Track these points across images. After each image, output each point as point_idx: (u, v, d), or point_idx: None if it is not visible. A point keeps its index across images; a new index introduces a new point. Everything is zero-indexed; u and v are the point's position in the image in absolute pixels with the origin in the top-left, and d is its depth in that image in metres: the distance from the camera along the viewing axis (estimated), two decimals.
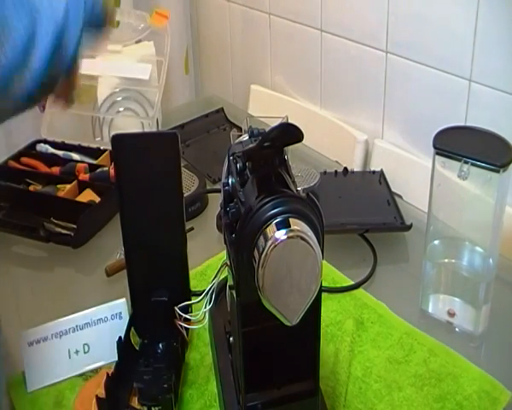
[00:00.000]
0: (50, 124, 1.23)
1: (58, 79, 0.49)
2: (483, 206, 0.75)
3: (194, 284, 0.85)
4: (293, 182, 0.57)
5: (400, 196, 1.07)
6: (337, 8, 1.15)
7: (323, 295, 0.58)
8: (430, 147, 0.74)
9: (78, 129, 1.30)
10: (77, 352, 0.76)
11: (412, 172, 1.06)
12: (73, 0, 0.48)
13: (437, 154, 0.74)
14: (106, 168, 1.11)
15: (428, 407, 0.70)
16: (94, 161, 1.16)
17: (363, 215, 0.99)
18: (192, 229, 0.97)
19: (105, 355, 0.76)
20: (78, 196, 1.08)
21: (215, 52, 1.58)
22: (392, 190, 1.06)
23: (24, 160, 1.17)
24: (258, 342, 0.58)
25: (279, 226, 0.49)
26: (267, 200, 0.51)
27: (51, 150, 1.19)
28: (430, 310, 0.83)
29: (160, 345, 0.74)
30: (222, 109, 1.38)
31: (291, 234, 0.49)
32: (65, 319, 0.77)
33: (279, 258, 0.49)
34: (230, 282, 0.62)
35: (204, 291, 0.69)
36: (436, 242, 0.82)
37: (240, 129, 1.07)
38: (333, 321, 0.82)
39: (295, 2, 1.25)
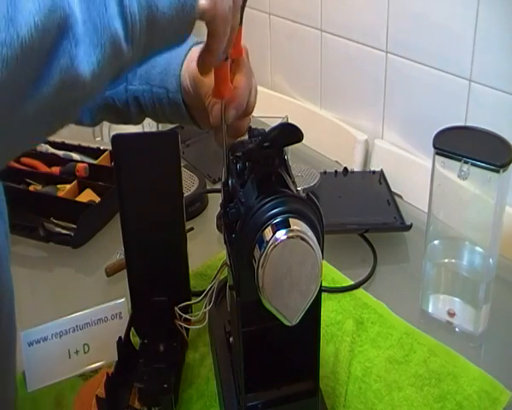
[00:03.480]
0: None
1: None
2: (483, 206, 0.75)
3: (194, 284, 0.85)
4: (293, 182, 0.57)
5: (400, 196, 1.07)
6: (337, 8, 1.15)
7: (323, 295, 0.58)
8: (430, 147, 0.74)
9: (78, 129, 1.29)
10: (77, 352, 0.76)
11: (412, 172, 1.06)
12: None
13: (437, 154, 0.74)
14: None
15: (428, 407, 0.69)
16: (94, 161, 1.16)
17: (363, 215, 0.99)
18: (192, 229, 0.97)
19: (105, 355, 0.76)
20: (78, 196, 1.08)
21: None
22: (392, 190, 1.06)
23: (24, 160, 1.17)
24: (259, 342, 0.58)
25: (279, 226, 0.49)
26: (267, 200, 0.51)
27: (51, 150, 1.19)
28: (430, 310, 0.83)
29: (160, 345, 0.74)
30: None
31: (291, 234, 0.48)
32: (65, 319, 0.77)
33: (279, 258, 0.49)
34: (230, 282, 0.62)
35: (204, 291, 0.69)
36: (436, 242, 0.82)
37: None
38: (333, 321, 0.82)
39: (295, 2, 1.25)
